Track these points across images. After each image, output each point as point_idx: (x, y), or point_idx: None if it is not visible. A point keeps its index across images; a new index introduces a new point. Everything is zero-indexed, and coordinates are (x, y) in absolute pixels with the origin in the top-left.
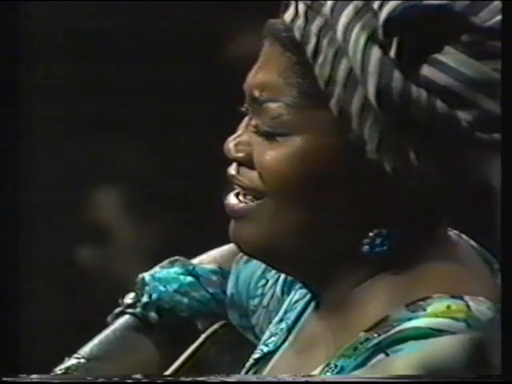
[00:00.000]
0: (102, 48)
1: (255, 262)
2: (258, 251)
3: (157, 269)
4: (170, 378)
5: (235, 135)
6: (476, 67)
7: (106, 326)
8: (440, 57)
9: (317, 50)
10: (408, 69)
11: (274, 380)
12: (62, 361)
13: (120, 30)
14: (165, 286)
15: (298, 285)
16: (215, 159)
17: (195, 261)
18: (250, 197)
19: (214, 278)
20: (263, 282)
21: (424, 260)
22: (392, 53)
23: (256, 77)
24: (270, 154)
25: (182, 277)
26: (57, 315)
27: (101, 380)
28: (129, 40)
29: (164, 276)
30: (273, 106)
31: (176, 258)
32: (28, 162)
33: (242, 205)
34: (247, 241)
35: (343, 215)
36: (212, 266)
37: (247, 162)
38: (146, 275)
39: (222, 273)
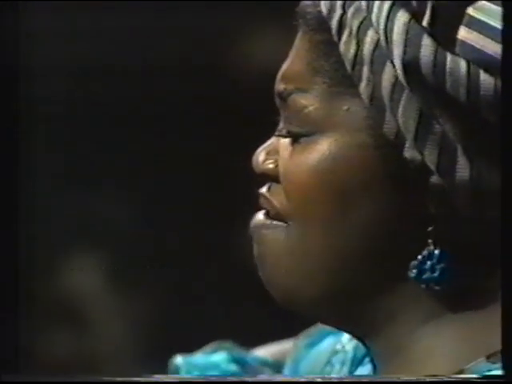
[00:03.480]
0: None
1: (319, 347)
2: (287, 295)
3: (196, 354)
4: (171, 378)
5: (265, 145)
6: None
7: None
8: (483, 17)
9: (341, 24)
10: (442, 34)
11: (275, 380)
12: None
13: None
14: (201, 373)
15: (366, 360)
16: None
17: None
18: (276, 222)
19: (266, 368)
20: (328, 368)
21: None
22: (423, 16)
23: (282, 69)
24: (294, 162)
25: (224, 364)
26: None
27: (101, 380)
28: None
29: (201, 361)
30: (297, 98)
31: (221, 343)
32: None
33: (266, 233)
34: (273, 281)
35: (385, 234)
36: (265, 356)
37: (277, 176)
38: (179, 358)
39: (277, 365)
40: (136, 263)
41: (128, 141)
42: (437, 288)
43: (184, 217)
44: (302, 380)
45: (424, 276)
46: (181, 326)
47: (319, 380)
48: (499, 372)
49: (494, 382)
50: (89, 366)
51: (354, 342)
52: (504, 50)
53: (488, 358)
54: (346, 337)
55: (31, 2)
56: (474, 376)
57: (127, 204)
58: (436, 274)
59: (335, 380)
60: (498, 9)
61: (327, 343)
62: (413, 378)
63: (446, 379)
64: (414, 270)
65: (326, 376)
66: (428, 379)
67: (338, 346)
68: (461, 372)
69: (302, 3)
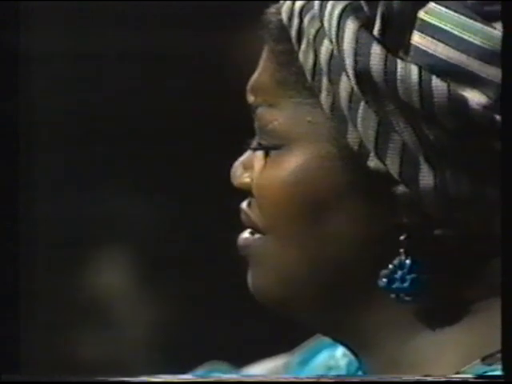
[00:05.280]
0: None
1: (312, 364)
2: (272, 301)
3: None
4: (171, 378)
5: (242, 158)
6: (484, 33)
7: None
8: (435, 22)
9: (300, 33)
10: (394, 41)
11: (275, 380)
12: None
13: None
14: None
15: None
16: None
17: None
18: (256, 235)
19: None
20: None
21: (481, 307)
22: (374, 23)
23: (250, 81)
24: (265, 176)
25: None
26: None
27: (101, 380)
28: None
29: None
30: (263, 112)
31: (214, 363)
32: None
33: (248, 244)
34: (256, 288)
35: (357, 244)
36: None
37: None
38: None
39: None
40: (136, 264)
41: (128, 142)
42: (407, 299)
43: (184, 217)
44: (302, 380)
45: (393, 286)
46: (177, 336)
47: (318, 380)
48: (495, 373)
49: (493, 382)
50: (89, 366)
51: (348, 358)
52: (504, 51)
53: (483, 360)
54: (339, 353)
55: (32, 12)
56: (474, 376)
57: (127, 204)
58: (406, 285)
59: (335, 380)
60: (449, 12)
61: (320, 360)
62: (413, 378)
63: (445, 379)
64: (384, 279)
65: (326, 376)
66: (428, 379)
67: (332, 362)
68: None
69: (266, 13)
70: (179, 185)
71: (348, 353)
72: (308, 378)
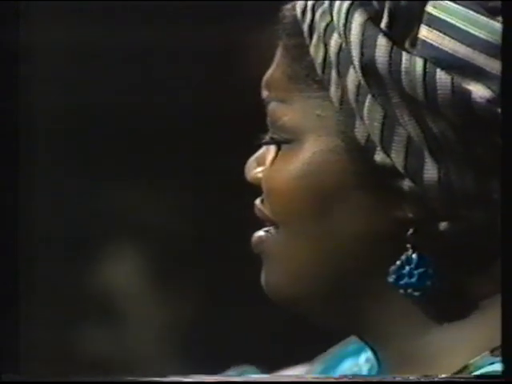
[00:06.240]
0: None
1: (335, 372)
2: (284, 298)
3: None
4: (172, 378)
5: (257, 153)
6: (490, 27)
7: None
8: (443, 16)
9: (311, 27)
10: (401, 34)
11: (275, 380)
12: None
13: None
14: None
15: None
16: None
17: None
18: (269, 232)
19: None
20: None
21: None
22: (382, 17)
23: (265, 76)
24: (274, 169)
25: None
26: None
27: (101, 380)
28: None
29: None
30: (274, 107)
31: (245, 367)
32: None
33: (261, 241)
34: (268, 285)
35: (364, 238)
36: None
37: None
38: None
39: None
40: (137, 262)
41: (128, 141)
42: (415, 294)
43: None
44: (302, 380)
45: (401, 281)
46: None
47: (318, 380)
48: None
49: (493, 382)
50: (90, 366)
51: (370, 363)
52: (504, 50)
53: (492, 352)
54: (362, 359)
55: (32, 13)
56: (474, 376)
57: (127, 203)
58: (414, 280)
59: (335, 380)
60: (456, 6)
61: (345, 367)
62: (413, 378)
63: (446, 379)
64: (393, 275)
65: (325, 376)
66: (428, 379)
67: (355, 369)
68: (465, 367)
69: (282, 8)
70: (181, 184)
71: (370, 358)
72: (327, 377)
